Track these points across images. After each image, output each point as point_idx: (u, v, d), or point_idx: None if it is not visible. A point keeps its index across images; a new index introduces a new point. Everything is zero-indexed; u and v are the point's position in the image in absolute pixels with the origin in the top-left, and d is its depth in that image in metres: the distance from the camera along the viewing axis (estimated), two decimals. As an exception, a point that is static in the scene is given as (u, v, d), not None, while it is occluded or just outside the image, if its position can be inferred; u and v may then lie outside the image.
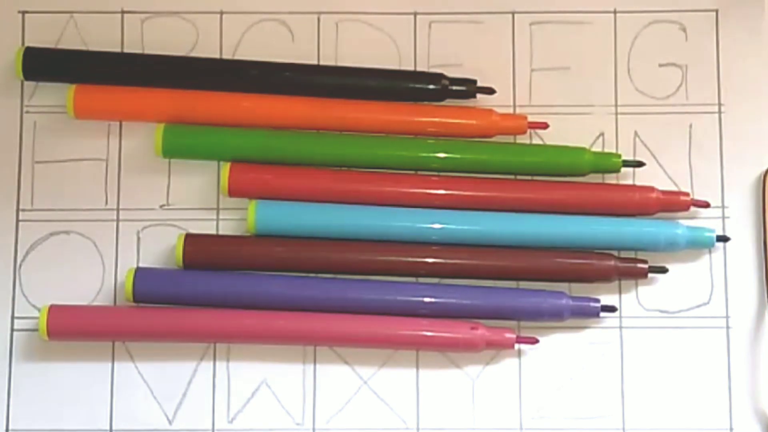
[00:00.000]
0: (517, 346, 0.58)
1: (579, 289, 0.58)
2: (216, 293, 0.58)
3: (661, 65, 0.61)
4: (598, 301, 0.58)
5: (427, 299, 0.58)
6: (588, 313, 0.58)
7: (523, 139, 0.60)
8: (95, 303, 0.59)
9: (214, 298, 0.58)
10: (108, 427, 0.58)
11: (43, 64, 0.60)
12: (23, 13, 0.61)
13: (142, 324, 0.57)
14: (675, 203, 0.59)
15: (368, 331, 0.57)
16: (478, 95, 0.60)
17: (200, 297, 0.58)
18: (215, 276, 0.58)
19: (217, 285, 0.58)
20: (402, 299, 0.58)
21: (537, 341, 0.58)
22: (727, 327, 0.59)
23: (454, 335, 0.57)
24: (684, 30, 0.61)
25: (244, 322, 0.57)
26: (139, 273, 0.58)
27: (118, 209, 0.60)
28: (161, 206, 0.60)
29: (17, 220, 0.60)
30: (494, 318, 0.58)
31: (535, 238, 0.58)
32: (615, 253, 0.58)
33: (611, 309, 0.58)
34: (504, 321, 0.58)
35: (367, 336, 0.57)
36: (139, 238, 0.60)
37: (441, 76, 0.60)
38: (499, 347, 0.58)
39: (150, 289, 0.58)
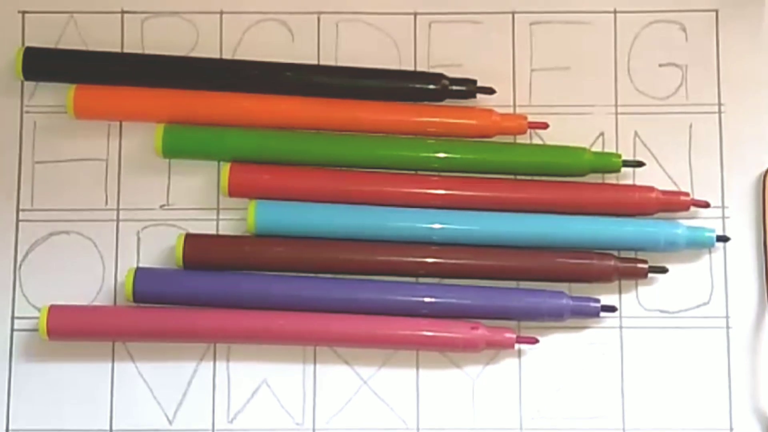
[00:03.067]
0: (517, 346, 0.58)
1: (579, 289, 0.58)
2: (216, 293, 0.58)
3: (661, 65, 0.61)
4: (598, 301, 0.58)
5: (427, 299, 0.58)
6: (588, 313, 0.58)
7: (523, 139, 0.60)
8: (95, 303, 0.59)
9: (214, 298, 0.58)
10: (108, 427, 0.58)
11: (43, 64, 0.60)
12: (23, 13, 0.61)
13: (142, 324, 0.57)
14: (675, 203, 0.59)
15: (368, 331, 0.57)
16: (478, 95, 0.60)
17: (200, 297, 0.58)
18: (215, 276, 0.58)
19: (217, 285, 0.58)
20: (402, 299, 0.58)
21: (537, 341, 0.58)
22: (727, 327, 0.59)
23: (454, 335, 0.57)
24: (684, 30, 0.61)
25: (244, 322, 0.57)
26: (139, 273, 0.58)
27: (118, 209, 0.60)
28: (161, 206, 0.60)
29: (17, 220, 0.60)
30: (494, 318, 0.58)
31: (535, 238, 0.58)
32: (615, 253, 0.58)
33: (611, 309, 0.58)
34: (504, 321, 0.58)
35: (367, 336, 0.57)
36: (139, 238, 0.60)
37: (441, 76, 0.60)
38: (499, 347, 0.57)
39: (150, 289, 0.58)
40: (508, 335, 0.57)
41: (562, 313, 0.57)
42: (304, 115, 0.59)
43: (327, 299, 0.57)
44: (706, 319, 0.59)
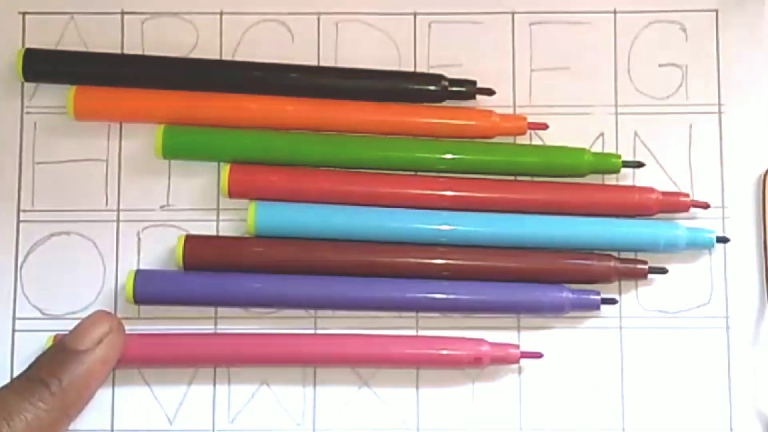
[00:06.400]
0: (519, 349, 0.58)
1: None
2: (217, 295, 0.58)
3: (661, 65, 0.61)
4: (598, 293, 0.58)
5: (427, 294, 0.58)
6: (588, 305, 0.58)
7: (523, 140, 0.60)
8: (96, 303, 0.59)
9: (215, 300, 0.58)
10: (109, 427, 0.58)
11: (43, 66, 0.60)
12: (23, 14, 0.61)
13: (144, 351, 0.57)
14: (675, 204, 0.59)
15: (368, 352, 0.57)
16: (478, 96, 0.60)
17: (201, 298, 0.58)
18: (216, 278, 0.58)
19: (218, 287, 0.58)
20: (399, 296, 0.58)
21: (541, 356, 0.57)
22: (727, 327, 0.59)
23: (458, 352, 0.57)
24: (684, 30, 0.61)
25: (243, 342, 0.57)
26: (139, 275, 0.58)
27: (118, 210, 0.60)
28: (161, 207, 0.60)
29: (18, 221, 0.60)
30: (494, 312, 0.58)
31: (535, 239, 0.58)
32: (615, 253, 0.58)
33: (612, 301, 0.58)
34: (504, 314, 0.58)
35: (368, 356, 0.57)
36: (139, 239, 0.60)
37: (441, 77, 0.60)
38: (503, 363, 0.57)
39: (150, 291, 0.58)
40: (512, 351, 0.57)
41: (562, 306, 0.57)
42: (304, 116, 0.59)
43: (323, 300, 0.58)
44: (706, 319, 0.59)
